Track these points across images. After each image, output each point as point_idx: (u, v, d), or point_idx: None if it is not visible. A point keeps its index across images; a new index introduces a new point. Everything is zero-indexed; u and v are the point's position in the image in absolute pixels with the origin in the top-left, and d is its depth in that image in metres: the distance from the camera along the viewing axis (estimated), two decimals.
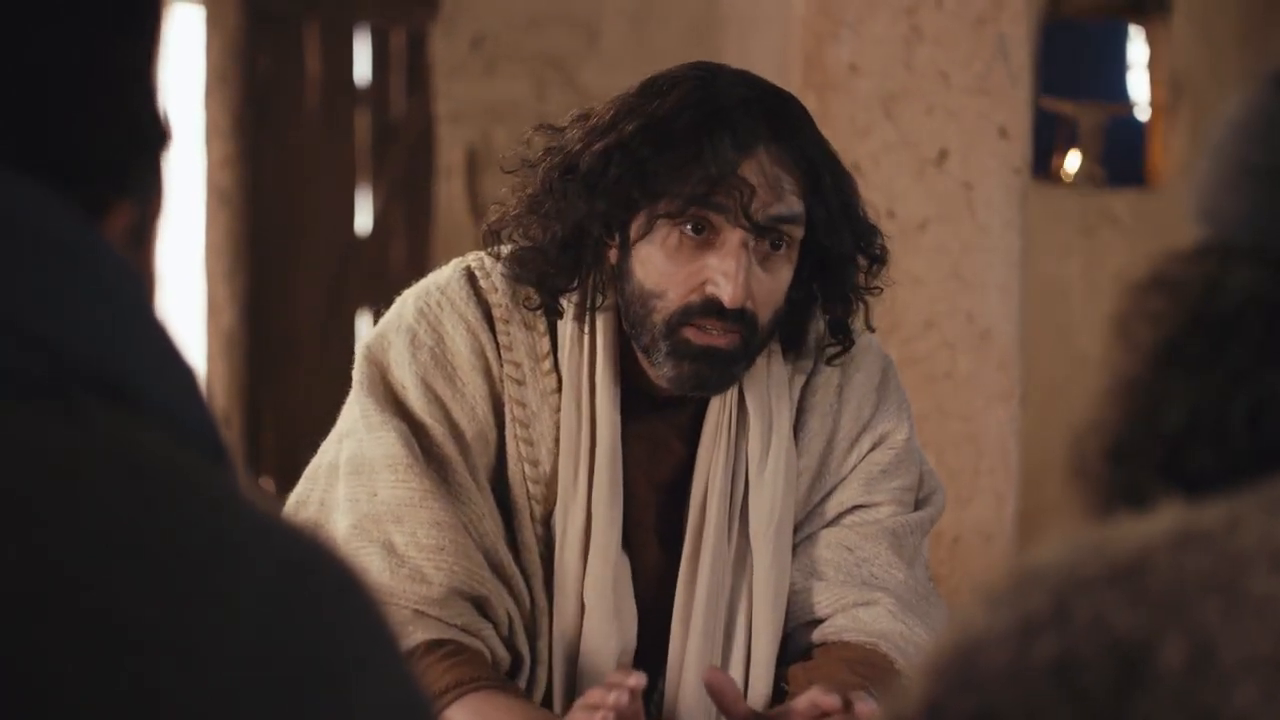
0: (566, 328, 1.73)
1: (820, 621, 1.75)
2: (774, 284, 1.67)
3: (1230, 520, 0.68)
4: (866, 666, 1.68)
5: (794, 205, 1.65)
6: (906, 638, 1.71)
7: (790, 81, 2.82)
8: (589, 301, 1.72)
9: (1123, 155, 5.51)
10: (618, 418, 1.72)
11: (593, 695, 1.55)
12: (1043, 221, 4.71)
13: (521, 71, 5.24)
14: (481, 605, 1.67)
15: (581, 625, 1.71)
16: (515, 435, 1.72)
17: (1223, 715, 0.63)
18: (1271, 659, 0.63)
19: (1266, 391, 0.73)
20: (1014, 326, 2.92)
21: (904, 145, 2.88)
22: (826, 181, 1.67)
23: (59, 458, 0.62)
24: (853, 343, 1.78)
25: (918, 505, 1.82)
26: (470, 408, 1.71)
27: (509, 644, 1.70)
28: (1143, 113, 5.60)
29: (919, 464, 1.83)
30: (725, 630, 1.74)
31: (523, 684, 1.70)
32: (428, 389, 1.71)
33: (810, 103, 2.70)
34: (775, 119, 1.65)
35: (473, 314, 1.73)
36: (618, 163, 1.64)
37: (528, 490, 1.72)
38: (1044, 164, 5.36)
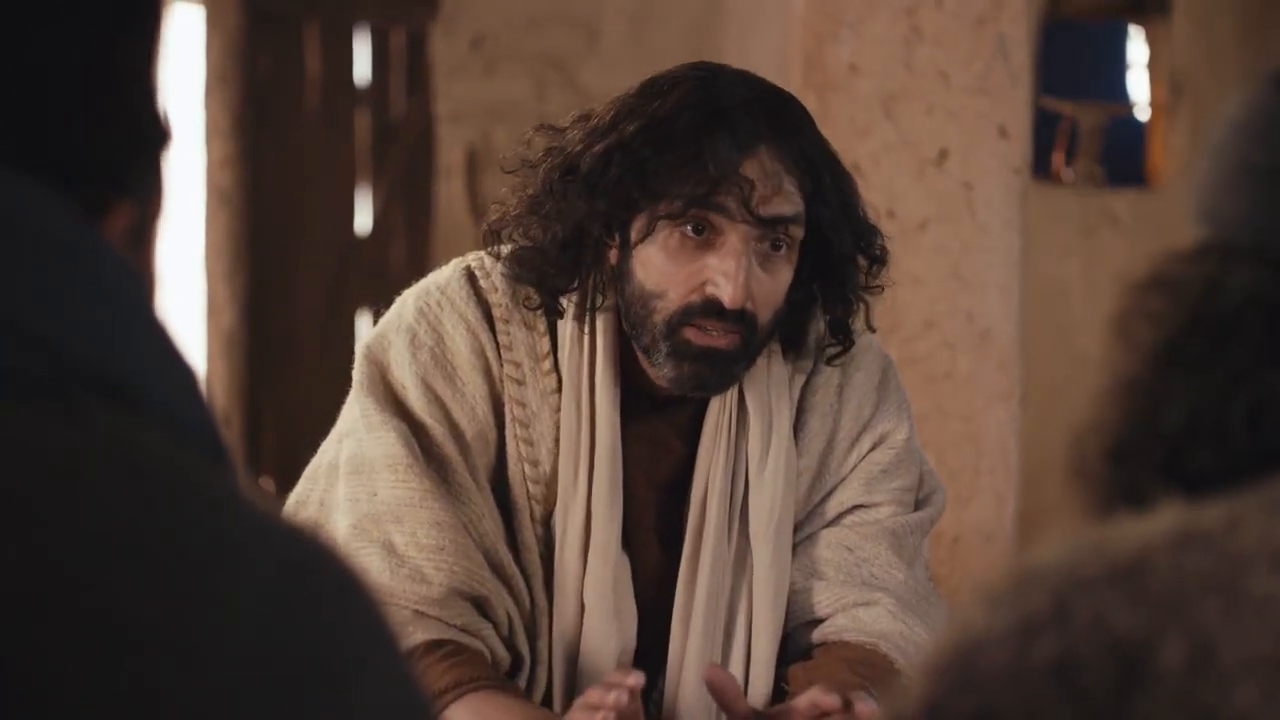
0: (566, 328, 1.73)
1: (820, 621, 1.75)
2: (774, 285, 1.67)
3: (1230, 520, 0.68)
4: (866, 666, 1.68)
5: (794, 205, 1.65)
6: (907, 638, 1.71)
7: (790, 81, 2.82)
8: (589, 301, 1.72)
9: (1123, 155, 5.51)
10: (617, 418, 1.72)
11: (592, 695, 1.55)
12: (1043, 221, 4.71)
13: (521, 71, 5.24)
14: (481, 605, 1.67)
15: (581, 625, 1.71)
16: (515, 435, 1.72)
17: (1223, 715, 0.63)
18: (1271, 659, 0.63)
19: (1266, 391, 0.73)
20: (1014, 326, 2.92)
21: (904, 145, 2.88)
22: (827, 182, 1.67)
23: (59, 458, 0.62)
24: (853, 343, 1.78)
25: (918, 505, 1.82)
26: (470, 407, 1.72)
27: (509, 644, 1.70)
28: (1143, 113, 5.60)
29: (919, 464, 1.83)
30: (725, 630, 1.74)
31: (523, 684, 1.70)
32: (428, 389, 1.71)
33: (810, 103, 2.70)
34: (775, 119, 1.65)
35: (473, 314, 1.73)
36: (618, 163, 1.64)
37: (528, 490, 1.72)
38: (1044, 164, 5.36)
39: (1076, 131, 5.47)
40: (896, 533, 1.78)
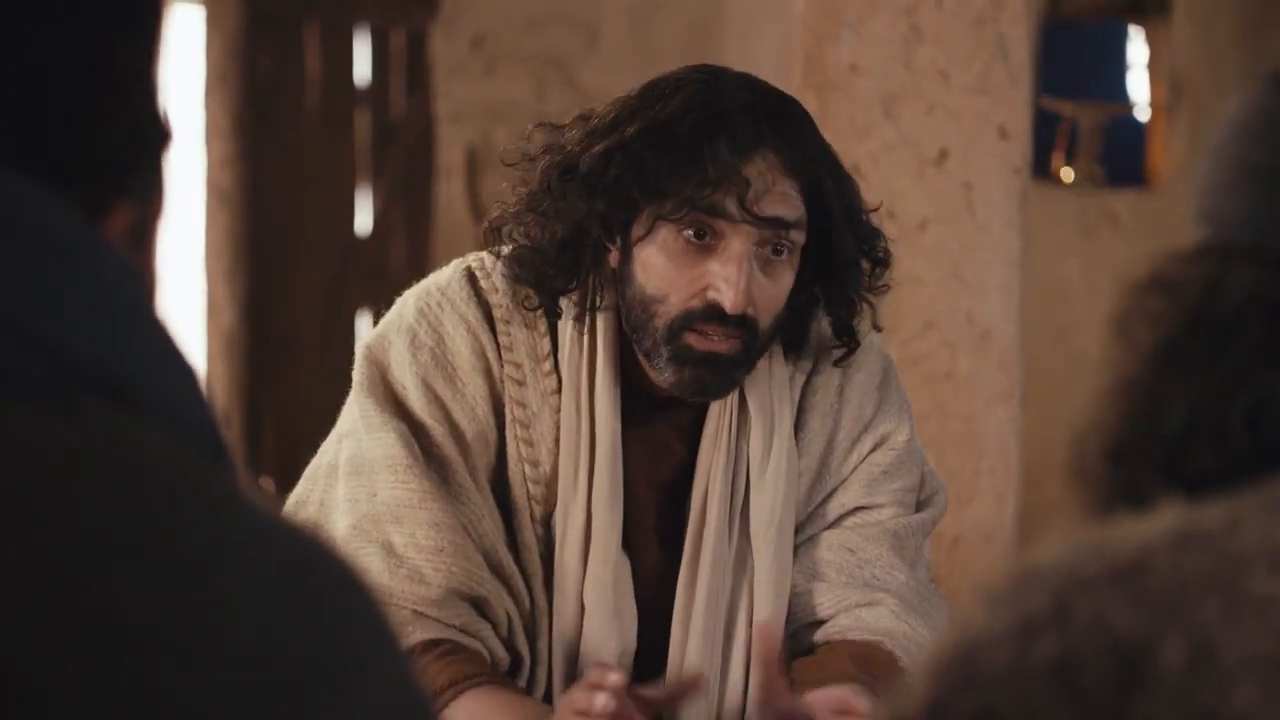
0: (567, 328, 1.73)
1: (822, 623, 1.75)
2: (775, 290, 1.67)
3: (1230, 520, 0.68)
4: (871, 663, 1.68)
5: (795, 209, 1.65)
6: (910, 637, 1.71)
7: (790, 81, 2.82)
8: (588, 302, 1.72)
9: (1123, 155, 5.51)
10: (617, 419, 1.72)
11: (579, 701, 1.54)
12: (1043, 221, 4.71)
13: (521, 71, 5.24)
14: (480, 606, 1.67)
15: (581, 625, 1.71)
16: (515, 435, 1.72)
17: (1223, 715, 0.63)
18: (1271, 659, 0.63)
19: (1266, 391, 0.73)
20: (1014, 326, 2.92)
21: (904, 145, 2.87)
22: (828, 185, 1.67)
23: (59, 458, 0.62)
24: (859, 344, 1.78)
25: (919, 506, 1.82)
26: (470, 408, 1.71)
27: (508, 644, 1.70)
28: (1143, 113, 5.60)
29: (920, 465, 1.83)
30: (725, 631, 1.74)
31: (522, 684, 1.70)
32: (428, 389, 1.71)
33: (810, 103, 2.70)
34: (777, 123, 1.65)
35: (473, 314, 1.73)
36: (618, 163, 1.64)
37: (528, 490, 1.72)
38: (1044, 164, 5.36)
39: (1076, 131, 5.47)
40: (898, 534, 1.78)
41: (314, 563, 0.65)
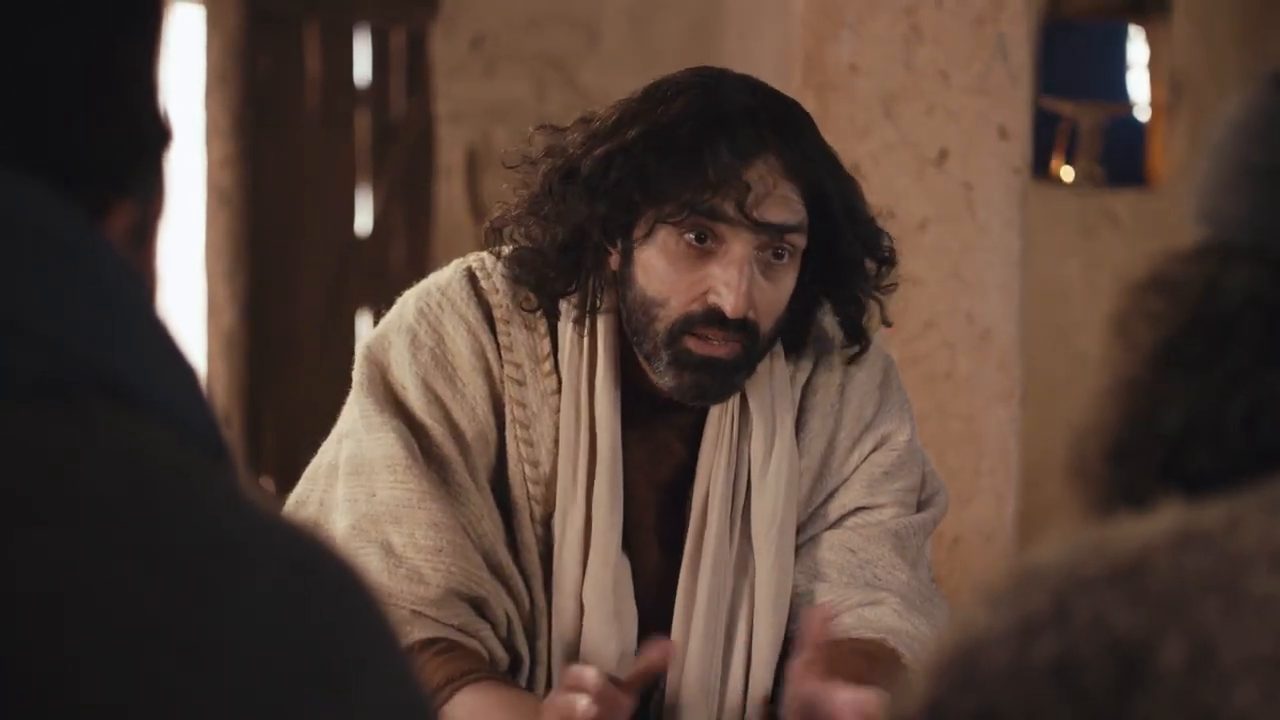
0: (566, 330, 1.73)
1: None
2: (776, 293, 1.67)
3: (1230, 520, 0.68)
4: (876, 662, 1.67)
5: (795, 213, 1.65)
6: (913, 636, 1.71)
7: (790, 81, 2.82)
8: (588, 304, 1.72)
9: (1123, 155, 5.51)
10: (617, 422, 1.72)
11: (562, 706, 1.53)
12: (1043, 221, 4.71)
13: (521, 71, 5.24)
14: (479, 606, 1.67)
15: (581, 627, 1.71)
16: (515, 436, 1.72)
17: (1223, 715, 0.63)
18: (1271, 659, 0.63)
19: (1266, 392, 0.73)
20: (1014, 326, 2.92)
21: (904, 145, 2.88)
22: (830, 189, 1.67)
23: (59, 458, 0.62)
24: (870, 341, 1.78)
25: (920, 507, 1.82)
26: (470, 408, 1.72)
27: (508, 645, 1.70)
28: (1143, 113, 5.60)
29: (921, 465, 1.83)
30: (726, 632, 1.74)
31: (522, 684, 1.70)
32: (428, 389, 1.71)
33: (810, 103, 2.70)
34: (778, 126, 1.65)
35: (473, 314, 1.73)
36: (619, 166, 1.64)
37: (528, 491, 1.72)
38: (1044, 164, 5.36)
39: (1076, 131, 5.47)
40: (899, 534, 1.78)
41: (314, 562, 0.65)
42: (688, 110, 1.64)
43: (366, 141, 5.72)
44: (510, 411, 1.72)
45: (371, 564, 1.65)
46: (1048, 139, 5.32)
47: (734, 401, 1.75)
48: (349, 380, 1.75)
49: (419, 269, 4.12)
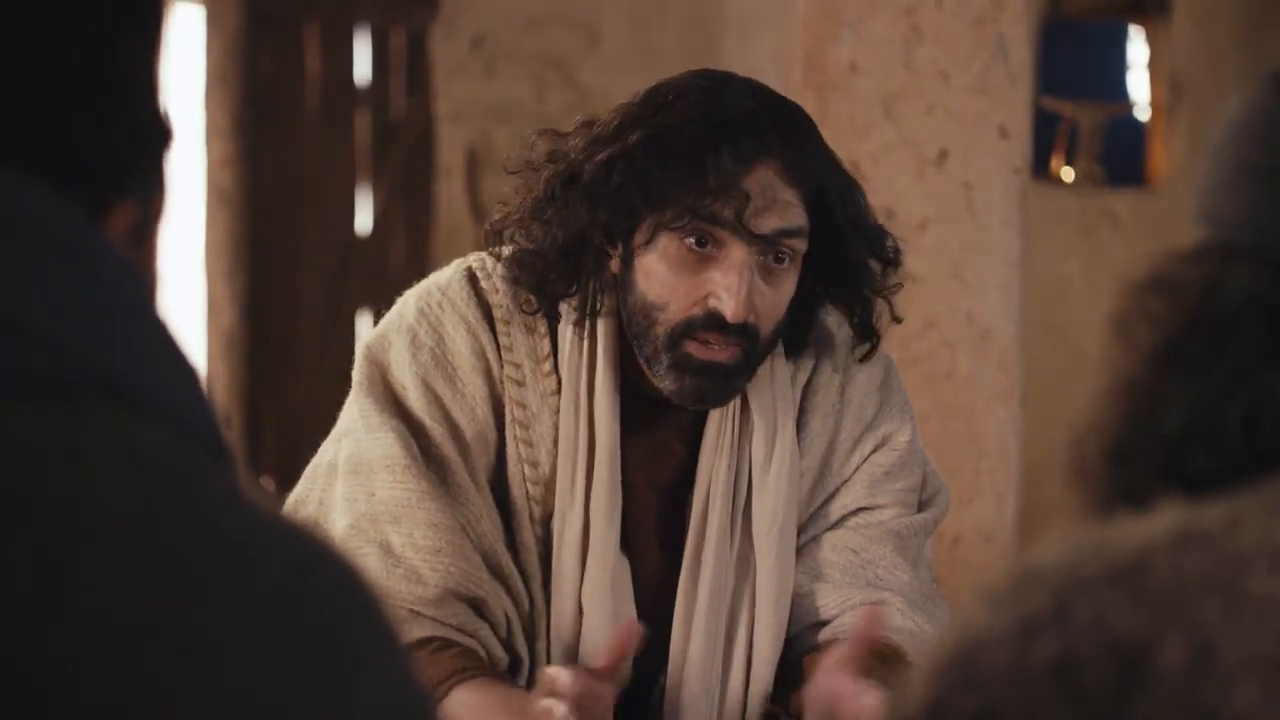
0: (566, 331, 1.73)
1: (826, 623, 1.74)
2: (777, 297, 1.67)
3: (1230, 520, 0.68)
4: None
5: (796, 218, 1.65)
6: (916, 635, 1.71)
7: (790, 81, 2.82)
8: (588, 307, 1.71)
9: (1123, 155, 5.51)
10: (616, 423, 1.71)
11: (541, 716, 1.53)
12: (1043, 221, 4.71)
13: (521, 71, 5.24)
14: (478, 606, 1.67)
15: (580, 628, 1.71)
16: (515, 436, 1.72)
17: (1223, 715, 0.63)
18: (1271, 659, 0.63)
19: (1266, 392, 0.73)
20: (1014, 326, 2.92)
21: (904, 145, 2.87)
22: (832, 194, 1.67)
23: (59, 458, 0.62)
24: (880, 338, 1.78)
25: (921, 507, 1.82)
26: (470, 408, 1.71)
27: (507, 645, 1.70)
28: (1143, 113, 5.60)
29: (922, 465, 1.83)
30: (726, 633, 1.74)
31: (522, 684, 1.70)
32: (428, 389, 1.71)
33: (810, 103, 2.70)
34: (780, 131, 1.65)
35: (473, 315, 1.73)
36: (620, 172, 1.64)
37: (527, 491, 1.72)
38: (1044, 164, 5.36)
39: (1076, 131, 5.47)
40: (901, 534, 1.78)
41: (315, 562, 0.65)
42: (689, 115, 1.64)
43: (366, 141, 5.72)
44: (510, 412, 1.72)
45: (370, 564, 1.65)
46: (1048, 139, 5.32)
47: (735, 402, 1.74)
48: (349, 380, 1.75)
49: (419, 269, 4.12)
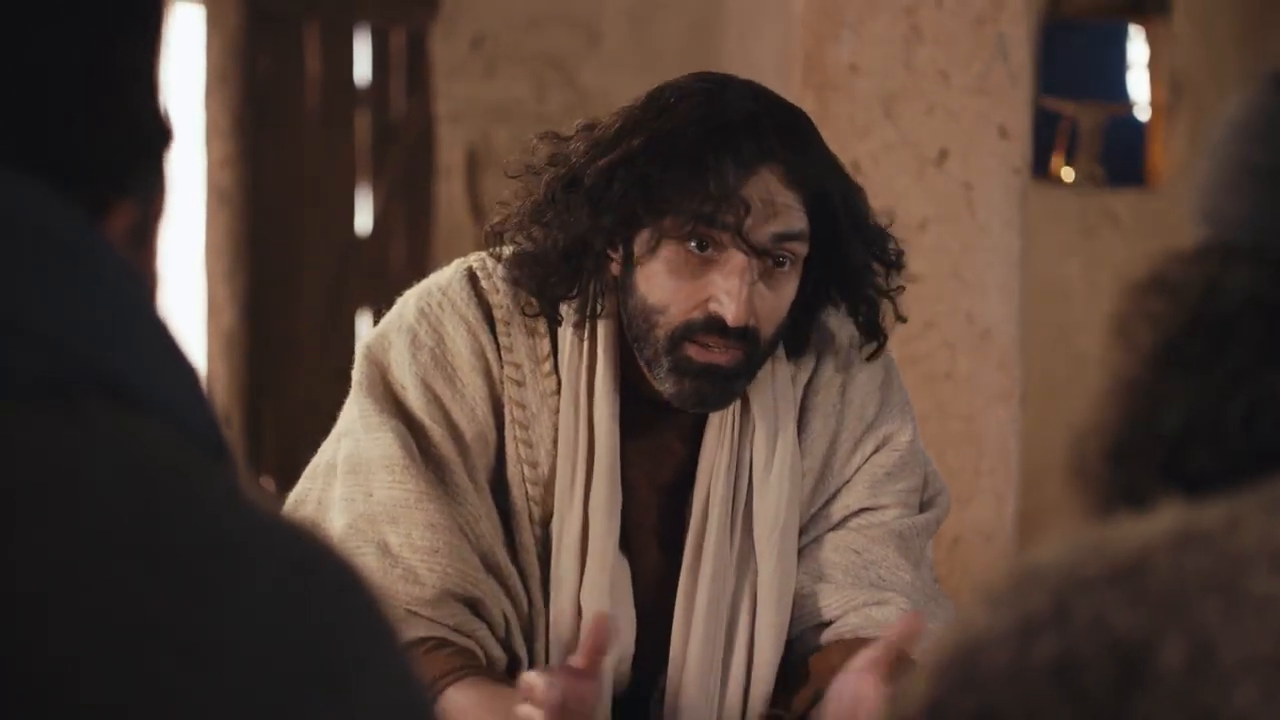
0: (566, 333, 1.73)
1: (828, 624, 1.74)
2: (777, 300, 1.67)
3: (1230, 520, 0.68)
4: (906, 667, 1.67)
5: (797, 223, 1.65)
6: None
7: (790, 81, 2.82)
8: (588, 309, 1.71)
9: (1123, 155, 5.51)
10: (616, 424, 1.71)
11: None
12: (1043, 221, 4.71)
13: (521, 71, 5.24)
14: (475, 607, 1.67)
15: (579, 629, 1.71)
16: (515, 436, 1.72)
17: (1223, 715, 0.63)
18: (1271, 659, 0.63)
19: (1266, 392, 0.73)
20: (1014, 326, 2.92)
21: (904, 145, 2.88)
22: (834, 198, 1.67)
23: (59, 458, 0.62)
24: (886, 337, 1.78)
25: (923, 507, 1.82)
26: (470, 408, 1.71)
27: (506, 645, 1.70)
28: (1143, 113, 5.60)
29: (923, 465, 1.83)
30: (726, 634, 1.74)
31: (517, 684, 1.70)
32: (427, 389, 1.71)
33: (810, 103, 2.70)
34: (782, 135, 1.64)
35: (473, 315, 1.73)
36: (622, 178, 1.64)
37: (526, 492, 1.72)
38: (1044, 164, 5.36)
39: (1076, 131, 5.47)
40: (903, 535, 1.78)
41: (315, 562, 0.65)
42: (690, 118, 1.63)
43: (366, 141, 5.72)
44: (509, 412, 1.72)
45: (367, 564, 1.65)
46: (1048, 139, 5.32)
47: (736, 402, 1.74)
48: (349, 380, 1.75)
49: (419, 269, 4.12)
